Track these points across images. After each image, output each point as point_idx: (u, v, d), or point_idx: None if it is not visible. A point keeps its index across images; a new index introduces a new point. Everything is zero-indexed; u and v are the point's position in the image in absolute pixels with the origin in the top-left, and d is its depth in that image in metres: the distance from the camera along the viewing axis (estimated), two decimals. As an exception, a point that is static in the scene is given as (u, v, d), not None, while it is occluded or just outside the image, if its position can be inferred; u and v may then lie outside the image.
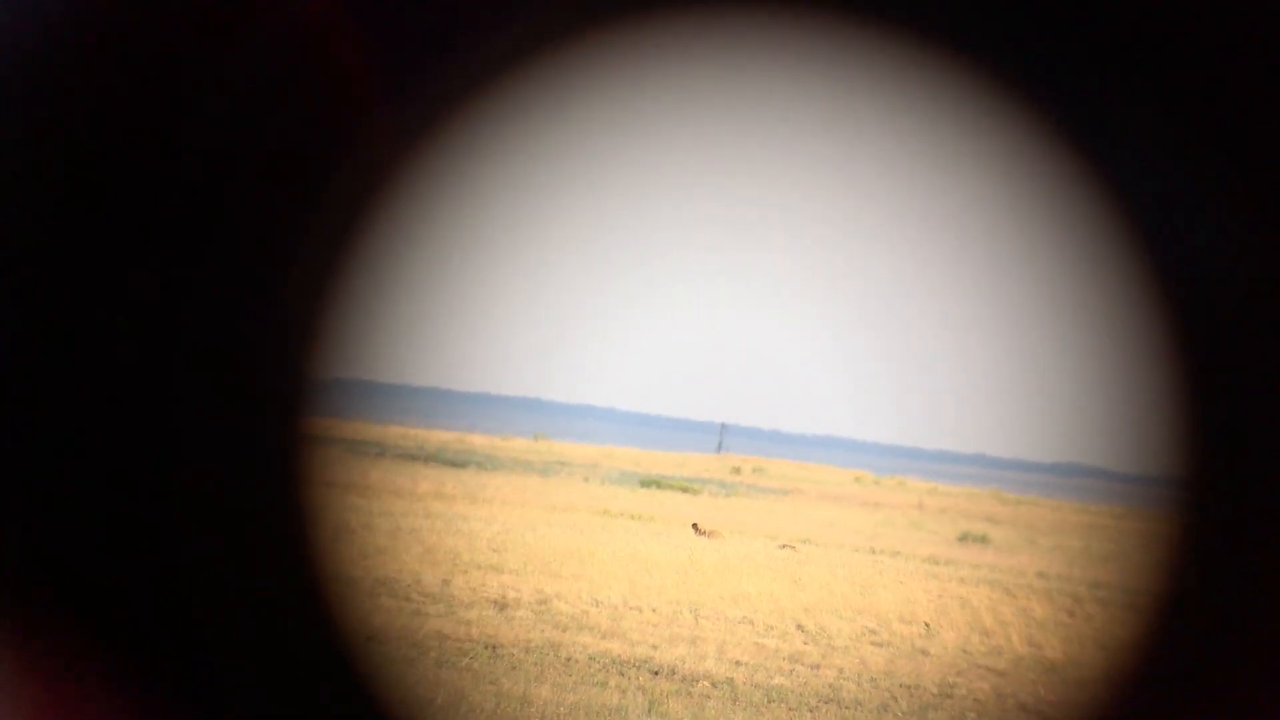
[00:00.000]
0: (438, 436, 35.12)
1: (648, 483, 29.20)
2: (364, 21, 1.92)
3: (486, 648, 9.97)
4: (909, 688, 10.12)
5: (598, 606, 11.99)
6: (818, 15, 2.11)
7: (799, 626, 11.97)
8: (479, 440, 36.97)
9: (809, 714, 9.21)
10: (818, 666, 10.52)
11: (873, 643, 11.62)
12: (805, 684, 9.92)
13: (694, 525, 19.12)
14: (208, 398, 2.00)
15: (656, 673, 9.81)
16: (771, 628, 11.85)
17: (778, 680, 9.94)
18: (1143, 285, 1.99)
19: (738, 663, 10.36)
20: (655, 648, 10.62)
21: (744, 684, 9.72)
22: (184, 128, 1.90)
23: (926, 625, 12.45)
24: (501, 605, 11.58)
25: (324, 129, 1.99)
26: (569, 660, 9.91)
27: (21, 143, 1.79)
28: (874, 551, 18.84)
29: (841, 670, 10.45)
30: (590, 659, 10.01)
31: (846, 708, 9.41)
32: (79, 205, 1.85)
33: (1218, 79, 1.84)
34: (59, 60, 1.78)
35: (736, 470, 37.16)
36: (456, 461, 28.26)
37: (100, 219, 1.87)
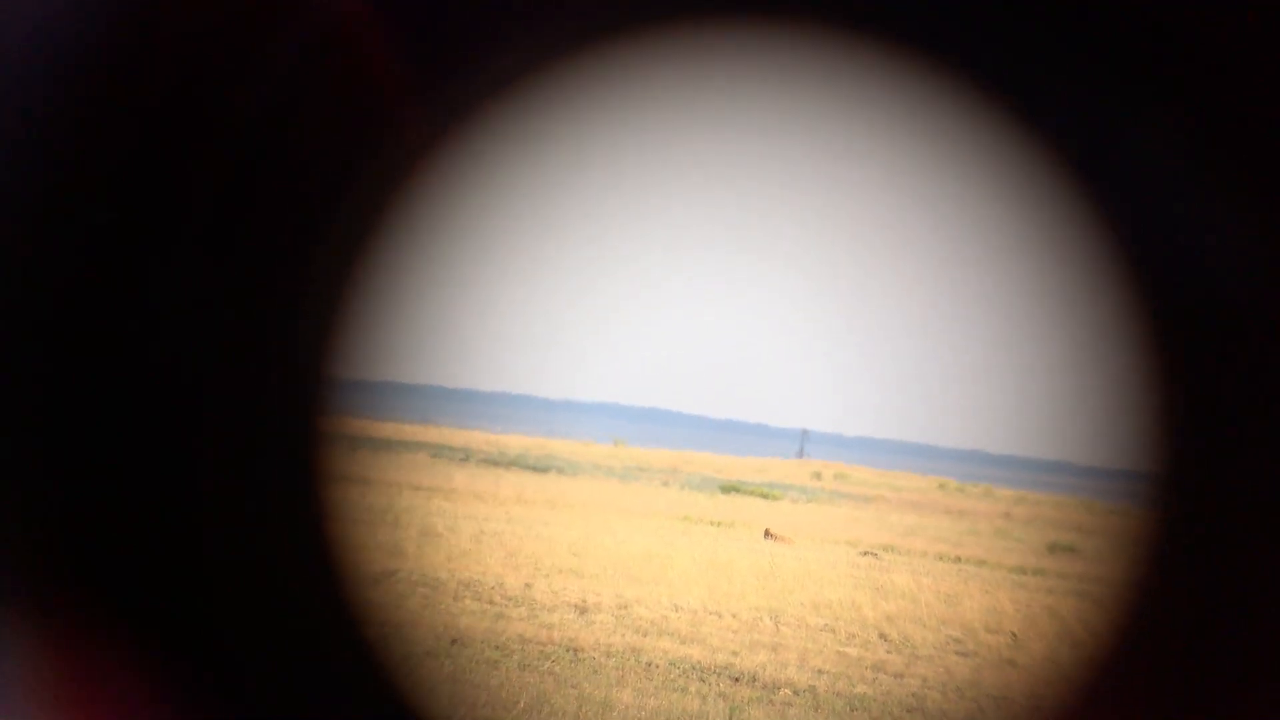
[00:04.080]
0: (519, 442, 35.44)
1: (727, 488, 29.09)
2: (392, 21, 1.92)
3: (568, 651, 10.05)
4: (996, 699, 9.93)
5: (678, 612, 12.00)
6: (818, 23, 2.11)
7: (882, 635, 11.82)
8: (559, 445, 37.20)
9: (892, 724, 9.10)
10: (901, 676, 10.37)
11: (958, 652, 11.42)
12: (888, 693, 9.79)
13: (766, 531, 19.02)
14: (243, 397, 2.00)
15: (737, 679, 9.77)
16: (854, 636, 11.72)
17: (860, 689, 9.83)
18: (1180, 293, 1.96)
19: (819, 671, 10.28)
20: (736, 654, 10.58)
21: (826, 692, 9.63)
22: (210, 126, 1.90)
23: (1014, 635, 12.19)
24: (582, 609, 11.65)
25: (351, 128, 1.99)
26: (649, 665, 9.93)
27: (36, 141, 1.80)
28: (959, 560, 18.50)
29: (926, 680, 10.29)
30: (671, 664, 10.02)
31: (931, 718, 9.27)
32: (105, 202, 1.87)
33: (1213, 77, 1.80)
34: (76, 60, 1.79)
35: (817, 476, 36.81)
36: (537, 466, 28.50)
37: (127, 217, 1.88)
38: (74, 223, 1.85)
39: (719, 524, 20.54)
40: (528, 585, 12.30)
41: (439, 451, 27.31)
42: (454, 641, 9.78)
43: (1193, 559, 1.96)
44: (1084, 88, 1.90)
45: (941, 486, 37.30)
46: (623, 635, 10.82)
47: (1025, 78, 1.95)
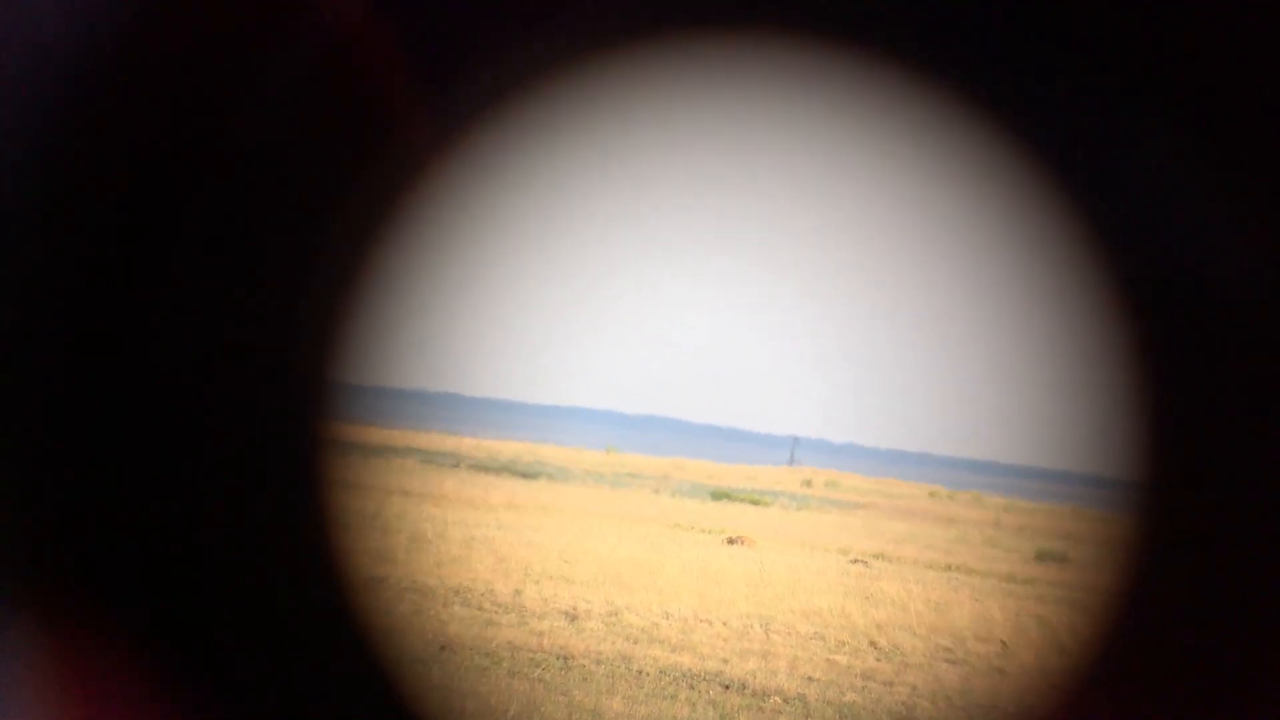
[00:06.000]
0: (510, 448, 35.38)
1: (718, 495, 29.07)
2: (398, 26, 1.92)
3: (558, 659, 10.02)
4: (986, 707, 9.93)
5: (668, 619, 11.98)
6: (816, 34, 2.11)
7: (872, 643, 11.82)
8: (550, 452, 37.16)
9: (882, 732, 9.09)
10: (891, 684, 10.37)
11: (947, 661, 11.42)
12: (878, 701, 9.78)
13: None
14: (243, 402, 2.00)
15: (727, 687, 9.76)
16: (844, 644, 11.71)
17: (850, 697, 9.82)
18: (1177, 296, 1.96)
19: (809, 679, 10.27)
20: (726, 661, 10.57)
21: (816, 700, 9.62)
22: (214, 130, 1.90)
23: (1003, 644, 12.20)
24: (573, 616, 11.62)
25: (356, 133, 1.99)
26: (640, 673, 9.91)
27: (39, 143, 1.79)
28: (949, 568, 18.52)
29: (915, 688, 10.29)
30: (661, 672, 10.00)
31: (921, 726, 9.26)
32: (108, 205, 1.86)
33: (1214, 80, 1.80)
34: (80, 62, 1.78)
35: (808, 483, 36.83)
36: (528, 473, 28.45)
37: (130, 219, 1.88)
38: (77, 225, 1.84)
39: (710, 531, 20.53)
40: (518, 592, 12.26)
41: (429, 457, 27.25)
42: (443, 648, 9.74)
43: (1189, 565, 1.97)
44: (1081, 91, 1.91)
45: (932, 494, 37.34)
46: (613, 642, 10.79)
47: (1021, 81, 1.95)
